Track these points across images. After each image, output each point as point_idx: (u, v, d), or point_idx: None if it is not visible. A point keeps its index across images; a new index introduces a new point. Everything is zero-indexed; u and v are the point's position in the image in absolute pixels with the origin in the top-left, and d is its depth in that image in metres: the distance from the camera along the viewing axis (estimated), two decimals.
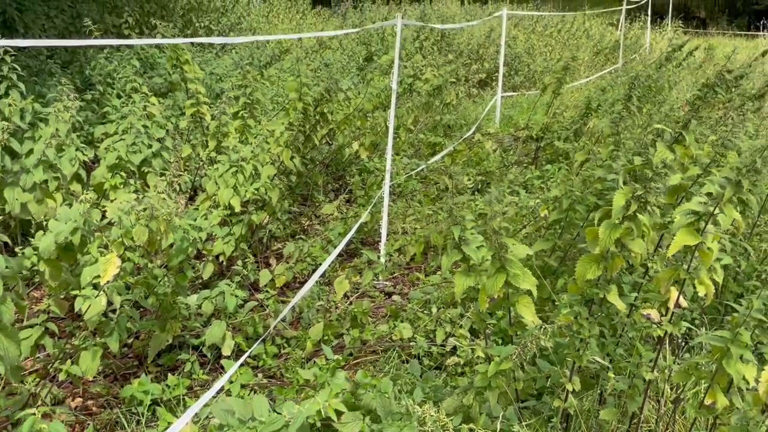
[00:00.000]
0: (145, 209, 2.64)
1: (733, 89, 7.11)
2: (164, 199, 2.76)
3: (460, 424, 2.61)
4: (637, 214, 2.32)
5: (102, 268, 2.59)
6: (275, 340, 3.99)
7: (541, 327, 2.60)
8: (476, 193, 6.40)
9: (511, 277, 2.53)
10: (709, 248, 2.47)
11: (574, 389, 2.60)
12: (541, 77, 10.98)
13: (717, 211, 2.45)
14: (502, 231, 2.47)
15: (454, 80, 9.14)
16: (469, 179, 6.70)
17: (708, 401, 2.20)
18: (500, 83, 9.09)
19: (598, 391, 2.92)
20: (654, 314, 2.48)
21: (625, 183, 2.94)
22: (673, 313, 2.50)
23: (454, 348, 3.87)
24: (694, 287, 2.46)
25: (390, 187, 5.79)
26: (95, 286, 2.78)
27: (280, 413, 2.12)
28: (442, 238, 4.80)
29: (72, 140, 4.02)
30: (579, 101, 8.57)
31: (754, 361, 2.14)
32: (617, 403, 2.73)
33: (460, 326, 3.94)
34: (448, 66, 8.73)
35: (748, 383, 2.14)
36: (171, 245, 3.03)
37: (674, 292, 2.52)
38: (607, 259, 2.39)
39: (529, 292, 2.64)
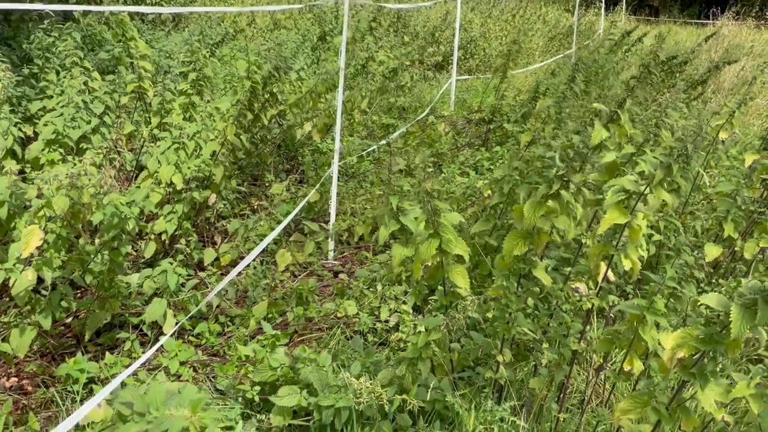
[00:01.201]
0: (66, 178, 2.57)
1: (678, 74, 7.32)
2: (96, 171, 2.69)
3: (394, 395, 2.66)
4: (561, 191, 2.38)
5: (23, 240, 2.53)
6: (219, 318, 3.98)
7: (470, 299, 2.66)
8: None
9: (444, 242, 2.56)
10: (638, 225, 2.55)
11: (505, 360, 2.66)
12: (496, 61, 11.08)
13: (648, 191, 2.52)
14: (435, 194, 2.50)
15: (409, 62, 9.14)
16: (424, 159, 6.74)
17: (626, 367, 2.29)
18: (455, 66, 9.13)
19: (533, 363, 3.01)
20: (582, 288, 2.56)
21: (561, 160, 3.01)
22: (600, 287, 2.58)
23: (399, 324, 3.92)
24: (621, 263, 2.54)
25: (341, 167, 5.79)
26: (24, 262, 2.71)
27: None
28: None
29: (5, 114, 3.89)
30: (531, 85, 8.69)
31: (670, 328, 2.23)
32: (548, 373, 2.81)
33: (404, 302, 3.99)
34: (403, 48, 8.74)
35: (664, 349, 2.23)
36: (101, 223, 2.97)
37: (603, 267, 2.60)
38: (533, 235, 2.44)
39: (461, 259, 2.68)
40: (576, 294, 2.64)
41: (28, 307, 3.09)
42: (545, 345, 2.80)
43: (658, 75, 4.70)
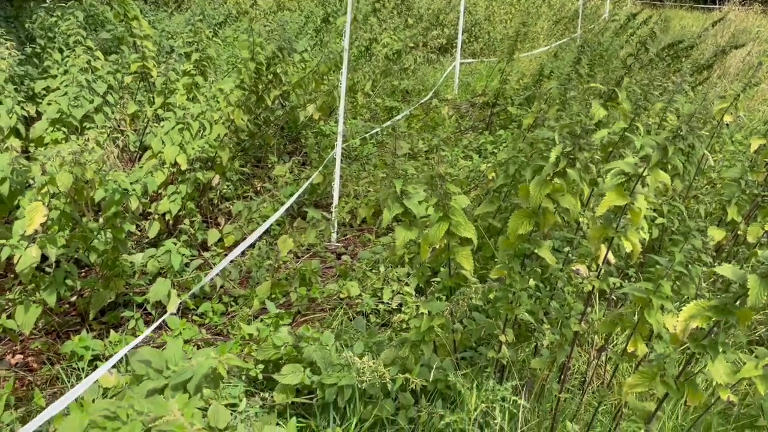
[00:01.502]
0: (69, 154, 2.57)
1: (684, 59, 7.27)
2: (95, 147, 2.69)
3: (397, 374, 2.68)
4: (567, 169, 2.37)
5: (28, 216, 2.53)
6: (222, 298, 4.00)
7: (474, 285, 2.66)
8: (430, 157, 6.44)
9: (453, 225, 2.56)
10: (638, 207, 2.54)
11: (507, 341, 2.68)
12: (501, 45, 11.00)
13: (646, 173, 2.51)
14: (447, 177, 2.49)
15: (413, 45, 9.09)
16: (424, 143, 6.73)
17: (630, 349, 2.30)
18: (459, 49, 9.07)
19: (534, 344, 3.02)
20: (583, 269, 2.55)
21: (570, 136, 2.99)
22: (601, 269, 2.58)
23: (401, 305, 3.94)
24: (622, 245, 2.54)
25: (344, 150, 5.77)
26: (28, 239, 2.72)
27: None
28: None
29: (9, 92, 3.88)
30: (535, 69, 8.63)
31: (675, 311, 2.24)
32: (550, 354, 2.82)
33: (407, 284, 4.00)
34: (407, 30, 8.69)
35: (668, 331, 2.24)
36: (103, 200, 2.98)
37: (603, 249, 2.60)
38: (539, 214, 2.44)
39: (469, 242, 2.68)
40: (577, 276, 2.64)
41: (33, 285, 3.11)
42: (546, 326, 2.81)
43: (656, 52, 4.63)
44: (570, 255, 2.90)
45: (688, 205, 4.07)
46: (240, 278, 4.24)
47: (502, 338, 2.67)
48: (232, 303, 4.00)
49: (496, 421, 2.46)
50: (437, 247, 2.68)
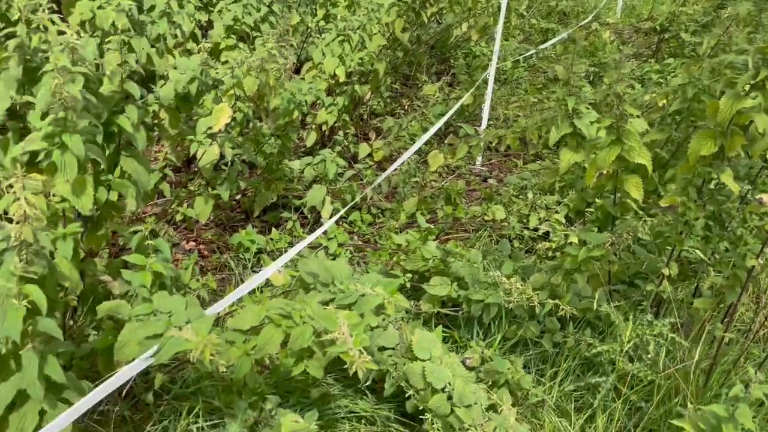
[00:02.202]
0: (256, 60, 2.71)
1: None
2: (274, 55, 2.81)
3: (546, 299, 2.66)
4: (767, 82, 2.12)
5: (215, 117, 2.73)
6: (371, 209, 4.14)
7: (641, 215, 2.53)
8: (588, 85, 6.09)
9: (626, 150, 2.41)
10: None
11: (670, 274, 2.55)
12: None
13: None
14: (626, 97, 2.33)
15: None
16: (582, 69, 6.36)
17: None
18: None
19: (695, 284, 2.86)
20: (767, 199, 2.33)
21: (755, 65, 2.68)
22: None
23: (547, 233, 3.87)
24: None
25: (495, 71, 5.60)
26: (210, 137, 2.95)
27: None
28: (538, 131, 4.61)
29: None
30: None
31: None
32: (713, 296, 2.67)
33: (556, 212, 3.90)
34: None
35: None
36: (276, 109, 3.13)
37: None
38: (726, 135, 2.23)
39: (641, 169, 2.52)
40: (760, 204, 2.41)
41: (204, 181, 3.40)
42: (710, 268, 2.64)
43: None
44: (750, 195, 2.67)
45: None
46: (387, 192, 4.35)
47: (665, 271, 2.55)
48: (380, 215, 4.13)
49: (649, 356, 2.39)
50: (604, 172, 2.56)
